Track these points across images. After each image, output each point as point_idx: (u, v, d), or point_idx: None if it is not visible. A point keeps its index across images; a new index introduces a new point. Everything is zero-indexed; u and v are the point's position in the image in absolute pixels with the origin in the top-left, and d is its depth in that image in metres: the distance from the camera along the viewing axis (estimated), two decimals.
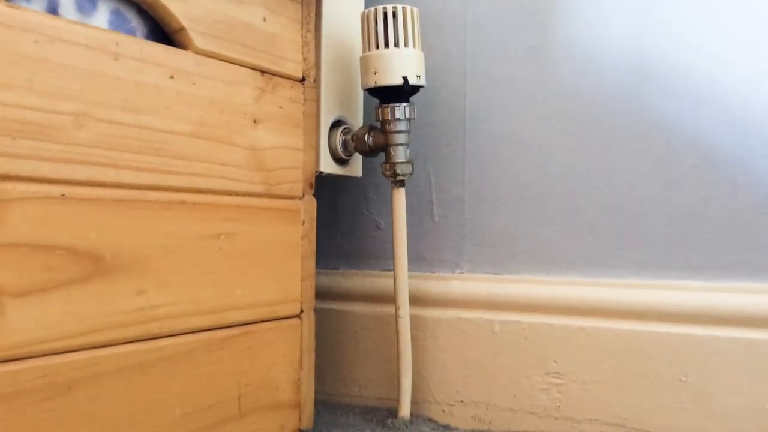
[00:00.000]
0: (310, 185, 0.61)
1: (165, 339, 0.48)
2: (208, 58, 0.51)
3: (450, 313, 0.68)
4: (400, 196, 0.65)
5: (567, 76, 0.65)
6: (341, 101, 0.67)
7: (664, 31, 0.61)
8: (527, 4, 0.67)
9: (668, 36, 0.60)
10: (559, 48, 0.65)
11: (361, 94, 0.69)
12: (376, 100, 0.64)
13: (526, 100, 0.66)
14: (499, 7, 0.68)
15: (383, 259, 0.73)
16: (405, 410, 0.65)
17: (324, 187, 0.68)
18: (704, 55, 0.59)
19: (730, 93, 0.58)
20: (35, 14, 0.41)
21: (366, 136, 0.65)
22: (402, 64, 0.61)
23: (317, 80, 0.62)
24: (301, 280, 0.60)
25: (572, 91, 0.64)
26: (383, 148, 0.64)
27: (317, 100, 0.62)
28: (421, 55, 0.63)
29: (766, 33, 0.57)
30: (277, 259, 0.57)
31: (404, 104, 0.62)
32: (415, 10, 0.62)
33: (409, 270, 0.65)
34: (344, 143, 0.66)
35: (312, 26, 0.61)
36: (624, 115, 0.62)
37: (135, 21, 0.49)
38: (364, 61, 0.63)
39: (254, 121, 0.55)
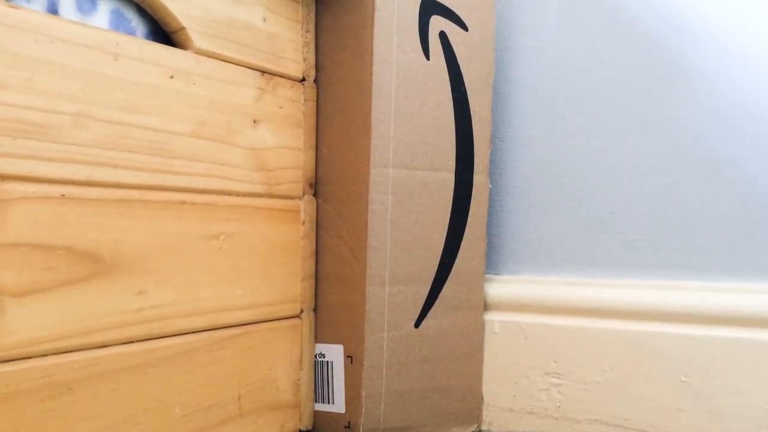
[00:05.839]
0: (310, 185, 0.61)
1: (165, 339, 0.48)
2: (208, 58, 0.51)
3: None
4: None
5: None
6: None
7: None
8: None
9: None
10: None
11: None
12: None
13: None
14: None
15: None
16: None
17: None
18: None
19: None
20: (35, 14, 0.41)
21: None
22: None
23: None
24: (301, 280, 0.60)
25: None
26: None
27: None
28: None
29: None
30: (277, 259, 0.57)
31: None
32: None
33: None
34: None
35: (312, 26, 0.61)
36: (629, 113, 0.62)
37: (135, 21, 0.49)
38: None
39: (254, 121, 0.55)
